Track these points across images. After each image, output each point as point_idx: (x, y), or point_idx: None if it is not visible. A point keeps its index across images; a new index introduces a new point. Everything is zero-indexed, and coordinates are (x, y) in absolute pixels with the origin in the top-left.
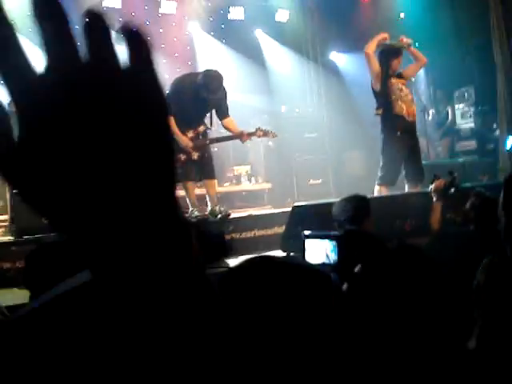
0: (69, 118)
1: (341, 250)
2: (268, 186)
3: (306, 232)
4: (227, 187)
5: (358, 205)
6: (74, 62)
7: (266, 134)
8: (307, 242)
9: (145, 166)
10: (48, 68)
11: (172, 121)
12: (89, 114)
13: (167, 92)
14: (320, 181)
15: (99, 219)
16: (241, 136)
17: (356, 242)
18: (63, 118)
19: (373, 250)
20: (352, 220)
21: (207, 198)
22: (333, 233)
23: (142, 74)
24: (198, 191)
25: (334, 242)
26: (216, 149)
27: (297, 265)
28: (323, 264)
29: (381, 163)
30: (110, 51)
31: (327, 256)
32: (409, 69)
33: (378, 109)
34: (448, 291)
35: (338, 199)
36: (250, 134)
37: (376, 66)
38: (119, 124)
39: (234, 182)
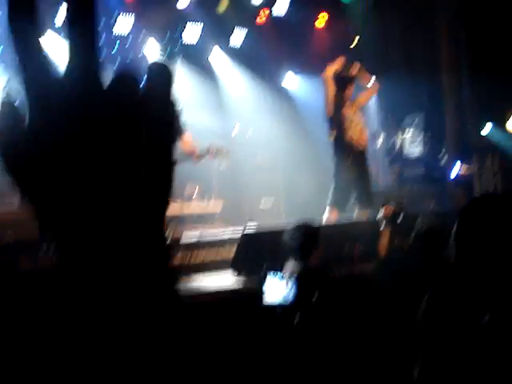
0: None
1: (298, 289)
2: (219, 205)
3: (266, 271)
4: (179, 205)
5: (307, 234)
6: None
7: (217, 153)
8: (266, 281)
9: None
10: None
11: None
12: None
13: None
14: (272, 202)
15: None
16: (191, 156)
17: (310, 279)
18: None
19: (322, 284)
20: (301, 249)
21: None
22: (292, 271)
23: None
24: None
25: (292, 280)
26: None
27: None
28: (280, 302)
29: (332, 188)
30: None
31: (284, 295)
32: (361, 96)
33: (330, 133)
34: (391, 320)
35: (289, 222)
36: (201, 154)
37: (331, 89)
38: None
39: (186, 200)
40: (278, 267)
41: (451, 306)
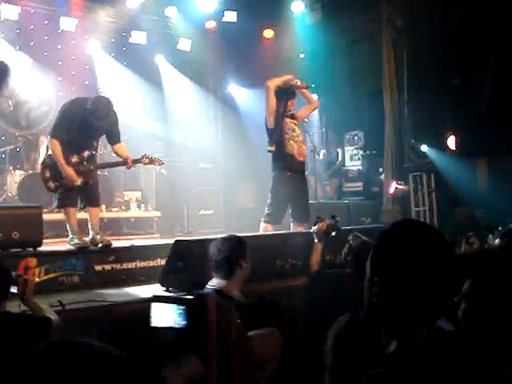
0: None
1: (189, 315)
2: (158, 214)
3: (155, 294)
4: (116, 212)
5: (234, 246)
6: None
7: (152, 161)
8: (154, 305)
9: None
10: None
11: (58, 148)
12: None
13: (58, 117)
14: (211, 211)
15: None
16: (126, 163)
17: (205, 307)
18: None
19: (222, 316)
20: (227, 260)
21: (89, 226)
22: (182, 297)
23: None
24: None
25: (182, 307)
26: (107, 173)
27: None
28: (170, 328)
29: (268, 201)
30: None
31: (174, 320)
32: (302, 111)
33: (270, 146)
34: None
35: (220, 235)
36: (135, 161)
37: (273, 101)
38: None
39: (123, 207)
40: (205, 280)
41: (355, 341)
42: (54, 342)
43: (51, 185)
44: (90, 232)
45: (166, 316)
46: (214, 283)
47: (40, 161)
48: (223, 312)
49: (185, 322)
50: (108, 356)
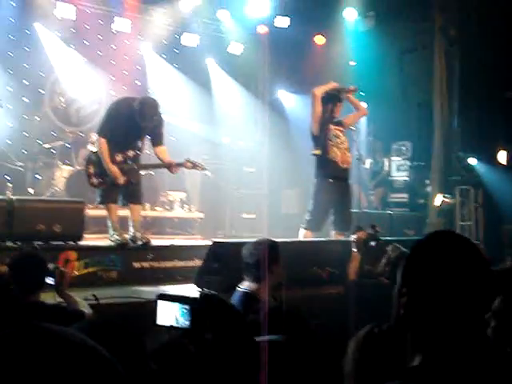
0: None
1: (193, 315)
2: (200, 215)
3: (161, 292)
4: (159, 212)
5: (266, 250)
6: None
7: (195, 166)
8: (160, 303)
9: None
10: None
11: (105, 146)
12: None
13: (105, 114)
14: (254, 216)
15: None
16: (169, 166)
17: (209, 308)
18: None
19: (226, 317)
20: (258, 264)
21: (130, 223)
22: (187, 296)
23: None
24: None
25: (186, 306)
26: (153, 172)
27: None
28: (171, 327)
29: (309, 208)
30: None
31: (176, 319)
32: (349, 118)
33: (315, 152)
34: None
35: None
36: (179, 165)
37: (319, 108)
38: None
39: (167, 207)
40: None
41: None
42: (22, 325)
43: (94, 181)
44: (131, 229)
45: (171, 315)
46: (244, 286)
47: None
48: (228, 314)
49: (188, 322)
50: (79, 345)
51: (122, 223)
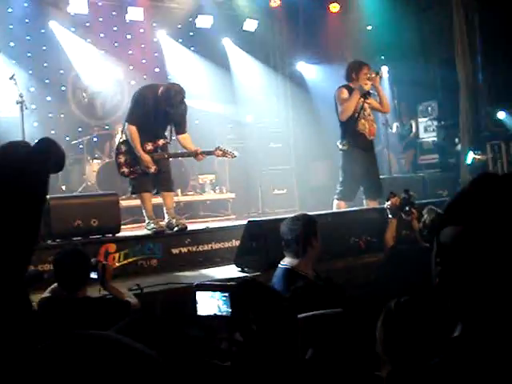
0: None
1: (233, 302)
2: (232, 195)
3: (198, 283)
4: (191, 196)
5: (304, 224)
6: None
7: (224, 153)
8: (198, 294)
9: None
10: None
11: (136, 134)
12: None
13: (132, 103)
14: (285, 191)
15: None
16: (195, 154)
17: (249, 293)
18: None
19: (267, 302)
20: (298, 239)
21: (164, 211)
22: (225, 284)
23: None
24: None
25: (226, 294)
26: (180, 158)
27: None
28: (215, 316)
29: (340, 178)
30: None
31: (219, 307)
32: (374, 103)
33: (342, 143)
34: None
35: (294, 214)
36: (207, 153)
37: (357, 101)
38: None
39: (198, 191)
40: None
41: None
42: (60, 336)
43: (125, 170)
44: (166, 216)
45: (211, 304)
46: (285, 262)
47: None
48: (268, 297)
49: (229, 309)
50: (125, 347)
51: (156, 211)
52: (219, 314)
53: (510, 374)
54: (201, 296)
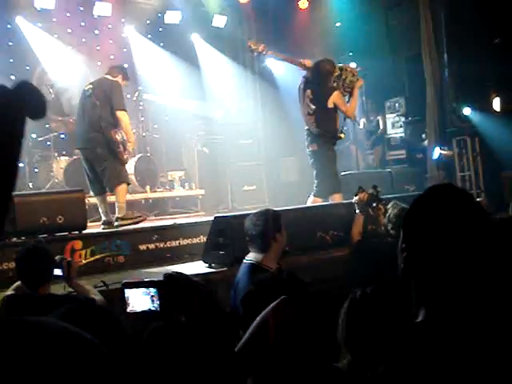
0: None
1: (162, 297)
2: (201, 191)
3: (125, 281)
4: (160, 192)
5: (269, 219)
6: None
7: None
8: (126, 291)
9: None
10: None
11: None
12: None
13: (117, 92)
14: (254, 187)
15: None
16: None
17: (177, 288)
18: None
19: (196, 296)
20: (262, 234)
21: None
22: (152, 279)
23: None
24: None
25: (153, 290)
26: (149, 154)
27: None
28: (143, 312)
29: (327, 175)
30: None
31: (147, 303)
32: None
33: (342, 132)
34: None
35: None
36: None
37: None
38: None
39: (168, 187)
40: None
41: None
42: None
43: (126, 158)
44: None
45: (139, 300)
46: (250, 257)
47: None
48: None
49: (157, 305)
50: (61, 332)
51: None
52: (148, 309)
53: (471, 356)
54: (128, 293)
